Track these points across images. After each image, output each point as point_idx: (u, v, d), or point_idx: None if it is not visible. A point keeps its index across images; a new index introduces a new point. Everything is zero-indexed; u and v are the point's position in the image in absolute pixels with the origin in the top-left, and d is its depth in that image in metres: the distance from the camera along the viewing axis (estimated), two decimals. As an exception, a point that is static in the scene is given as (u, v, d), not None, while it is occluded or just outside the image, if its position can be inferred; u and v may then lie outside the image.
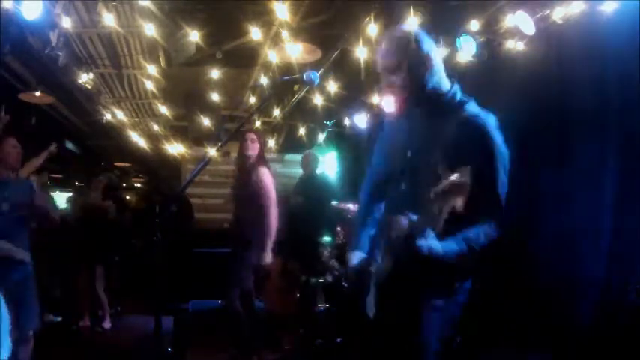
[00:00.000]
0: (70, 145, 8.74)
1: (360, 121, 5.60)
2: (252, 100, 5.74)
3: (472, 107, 1.78)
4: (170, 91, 5.68)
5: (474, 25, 3.73)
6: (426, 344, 1.71)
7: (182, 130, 7.15)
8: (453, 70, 4.10)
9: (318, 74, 1.92)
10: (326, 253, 4.30)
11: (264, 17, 3.68)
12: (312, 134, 6.72)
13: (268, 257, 3.54)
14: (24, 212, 3.06)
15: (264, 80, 4.76)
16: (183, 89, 5.99)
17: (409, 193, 1.76)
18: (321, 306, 3.87)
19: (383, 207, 2.00)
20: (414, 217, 1.57)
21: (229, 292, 3.63)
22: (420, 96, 1.79)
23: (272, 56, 4.12)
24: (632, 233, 2.91)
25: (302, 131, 6.38)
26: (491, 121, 1.74)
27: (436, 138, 1.70)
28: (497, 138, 1.71)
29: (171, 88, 5.53)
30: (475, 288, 1.84)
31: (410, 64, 1.76)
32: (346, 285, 3.86)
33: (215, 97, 5.26)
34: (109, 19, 3.55)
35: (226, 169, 4.50)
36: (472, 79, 3.97)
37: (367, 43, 3.78)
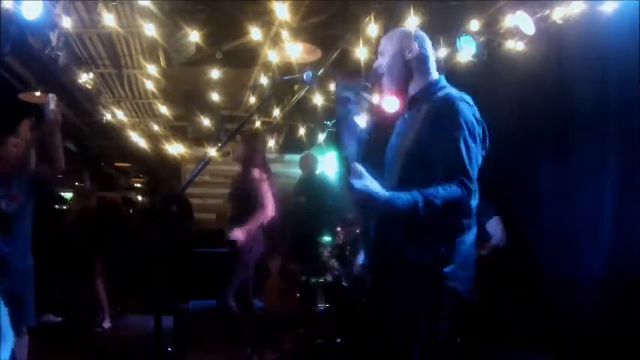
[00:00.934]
0: (70, 145, 8.74)
1: (360, 121, 5.59)
2: (252, 100, 5.74)
3: (448, 90, 1.82)
4: (170, 91, 5.68)
5: (474, 25, 3.73)
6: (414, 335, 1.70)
7: (182, 130, 7.15)
8: (453, 70, 4.14)
9: (311, 74, 1.93)
10: (326, 253, 4.30)
11: (264, 17, 3.68)
12: (312, 134, 6.72)
13: (237, 234, 3.54)
14: (27, 209, 3.07)
15: (264, 80, 4.76)
16: (183, 89, 5.99)
17: (389, 179, 1.79)
18: (321, 306, 3.86)
19: None
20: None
21: (223, 292, 3.63)
22: (408, 92, 1.86)
23: (272, 56, 4.13)
24: (633, 233, 2.91)
25: (302, 131, 6.38)
26: (463, 97, 1.76)
27: (413, 123, 1.77)
28: (465, 109, 1.70)
29: (171, 88, 5.54)
30: (475, 287, 1.83)
31: (391, 65, 1.85)
32: (334, 268, 3.88)
33: (215, 97, 5.26)
34: (109, 19, 3.55)
35: (226, 169, 4.50)
36: (472, 79, 3.98)
37: (367, 43, 3.78)
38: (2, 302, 2.76)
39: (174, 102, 6.20)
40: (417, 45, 1.85)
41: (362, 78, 1.82)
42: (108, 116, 6.18)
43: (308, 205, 5.21)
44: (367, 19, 3.55)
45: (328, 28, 4.12)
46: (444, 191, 1.56)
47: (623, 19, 2.96)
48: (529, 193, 3.79)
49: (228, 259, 3.71)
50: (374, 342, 2.00)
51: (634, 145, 2.93)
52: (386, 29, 3.49)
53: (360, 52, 3.85)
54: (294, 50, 3.96)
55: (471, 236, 1.77)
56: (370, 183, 1.56)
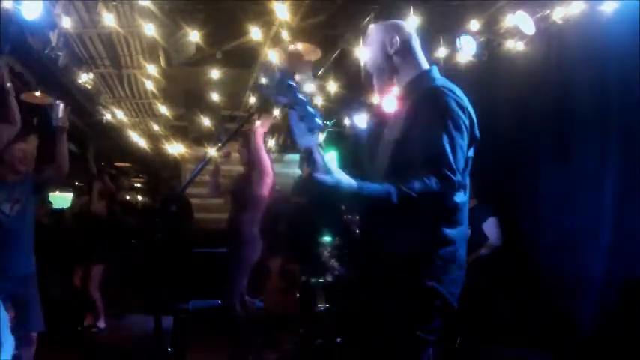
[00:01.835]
0: (69, 145, 8.73)
1: (360, 121, 5.60)
2: (252, 100, 5.74)
3: (438, 80, 1.75)
4: (170, 91, 5.68)
5: (474, 25, 3.73)
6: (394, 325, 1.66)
7: (182, 130, 7.15)
8: (453, 70, 4.13)
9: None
10: (326, 253, 4.29)
11: (264, 17, 3.68)
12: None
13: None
14: (30, 213, 3.08)
15: (264, 80, 4.75)
16: (183, 89, 5.98)
17: (378, 172, 1.75)
18: (321, 306, 3.86)
19: None
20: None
21: (228, 292, 3.63)
22: (397, 86, 1.81)
23: (272, 56, 4.12)
24: (632, 233, 2.91)
25: (302, 131, 6.37)
26: (447, 85, 1.69)
27: (400, 115, 1.72)
28: (448, 98, 1.61)
29: (171, 88, 5.53)
30: (474, 287, 1.82)
31: (375, 61, 1.81)
32: (334, 268, 3.86)
33: (215, 97, 5.26)
34: (109, 19, 3.55)
35: (226, 169, 4.49)
36: (472, 79, 3.98)
37: (367, 43, 3.78)
38: (2, 308, 2.76)
39: (174, 102, 6.19)
40: (398, 38, 1.78)
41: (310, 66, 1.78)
42: (108, 116, 6.18)
43: (308, 205, 5.21)
44: (367, 19, 3.55)
45: (328, 28, 4.12)
46: (421, 183, 1.49)
47: (623, 19, 2.96)
48: (529, 193, 3.80)
49: (229, 259, 3.71)
50: (365, 340, 1.97)
51: (634, 145, 2.94)
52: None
53: (360, 52, 3.85)
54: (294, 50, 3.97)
55: (456, 234, 1.67)
56: (337, 174, 1.48)
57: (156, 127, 6.78)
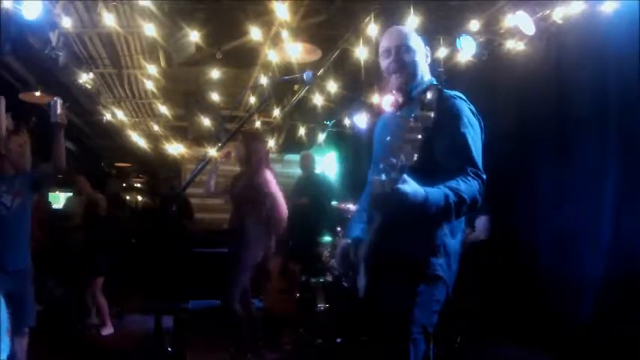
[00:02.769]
0: (70, 145, 8.75)
1: (360, 121, 5.60)
2: (252, 100, 5.74)
3: (447, 91, 1.85)
4: (170, 91, 5.68)
5: (474, 25, 3.74)
6: (405, 325, 1.68)
7: (182, 130, 7.16)
8: (453, 70, 4.13)
9: (311, 74, 1.93)
10: (326, 253, 4.29)
11: (264, 17, 3.68)
12: (312, 134, 6.72)
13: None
14: (28, 207, 3.08)
15: (264, 80, 4.76)
16: (183, 89, 5.99)
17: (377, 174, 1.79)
18: (321, 306, 3.86)
19: None
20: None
21: (229, 293, 3.63)
22: (410, 92, 1.89)
23: (272, 56, 4.13)
24: (632, 233, 2.91)
25: (302, 131, 6.38)
26: (457, 94, 1.80)
27: (407, 122, 1.73)
28: (463, 105, 1.75)
29: (171, 88, 5.53)
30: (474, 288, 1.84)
31: (417, 64, 1.88)
32: (334, 268, 3.87)
33: (215, 97, 5.26)
34: (109, 19, 3.55)
35: (226, 169, 4.50)
36: (472, 79, 3.99)
37: (367, 43, 3.78)
38: (3, 308, 2.77)
39: (174, 102, 6.20)
40: (429, 51, 1.95)
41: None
42: (108, 116, 6.18)
43: (308, 205, 5.21)
44: (367, 19, 3.55)
45: (328, 28, 4.12)
46: (465, 184, 1.59)
47: (623, 19, 2.96)
48: (529, 193, 3.80)
49: (229, 260, 3.70)
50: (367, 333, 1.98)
51: (634, 145, 2.94)
52: (386, 29, 3.49)
53: (360, 52, 3.86)
54: (294, 50, 3.96)
55: (461, 229, 1.82)
56: (411, 182, 1.50)
57: (156, 127, 6.79)
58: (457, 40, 3.78)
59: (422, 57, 1.91)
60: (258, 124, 6.51)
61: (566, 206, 3.44)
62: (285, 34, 3.70)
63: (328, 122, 6.63)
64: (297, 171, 5.93)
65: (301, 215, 5.18)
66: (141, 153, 6.76)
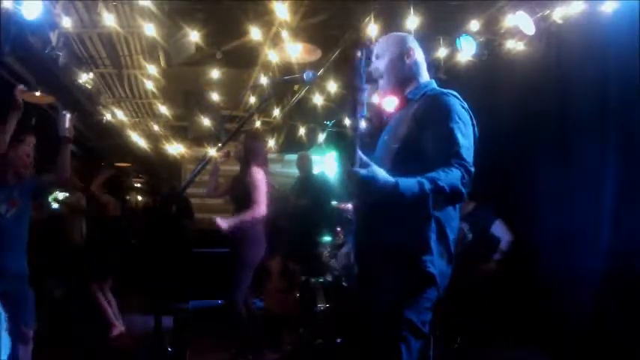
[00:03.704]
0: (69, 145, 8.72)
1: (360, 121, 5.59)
2: (252, 100, 5.74)
3: (440, 89, 1.89)
4: (170, 91, 5.68)
5: (474, 25, 3.73)
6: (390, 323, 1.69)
7: (182, 130, 7.15)
8: (453, 70, 4.13)
9: (311, 74, 1.94)
10: (326, 253, 4.30)
11: (264, 17, 3.68)
12: (312, 134, 6.72)
13: (223, 223, 3.50)
14: (25, 214, 3.09)
15: (264, 80, 4.76)
16: (183, 89, 5.99)
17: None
18: (321, 306, 3.86)
19: None
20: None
21: (232, 292, 3.62)
22: (402, 94, 1.93)
23: (272, 56, 4.12)
24: (632, 233, 2.91)
25: (302, 131, 6.38)
26: (450, 92, 1.82)
27: (403, 121, 1.83)
28: (454, 101, 1.76)
29: (171, 88, 5.53)
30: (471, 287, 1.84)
31: (392, 68, 1.92)
32: (334, 268, 3.87)
33: (215, 97, 5.26)
34: (109, 19, 3.55)
35: (226, 169, 4.50)
36: (472, 79, 3.98)
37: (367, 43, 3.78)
38: (1, 309, 2.78)
39: (174, 102, 6.19)
40: (413, 50, 1.94)
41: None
42: (108, 116, 6.18)
43: (308, 205, 5.22)
44: (367, 19, 3.55)
45: (328, 28, 4.12)
46: (445, 173, 1.58)
47: (623, 19, 2.96)
48: (529, 192, 3.80)
49: (232, 259, 3.70)
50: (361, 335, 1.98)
51: (634, 144, 2.93)
52: (386, 29, 3.49)
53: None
54: (294, 50, 3.96)
55: (453, 228, 1.79)
56: (376, 169, 1.56)
57: (156, 127, 6.78)
58: (457, 40, 3.78)
59: (400, 61, 1.92)
60: (258, 124, 6.50)
61: (566, 206, 3.43)
62: (285, 34, 3.70)
63: (328, 122, 6.63)
64: (297, 171, 5.93)
65: (301, 215, 5.19)
66: (141, 153, 6.75)
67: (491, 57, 3.96)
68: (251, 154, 3.79)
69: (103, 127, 6.89)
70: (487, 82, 3.98)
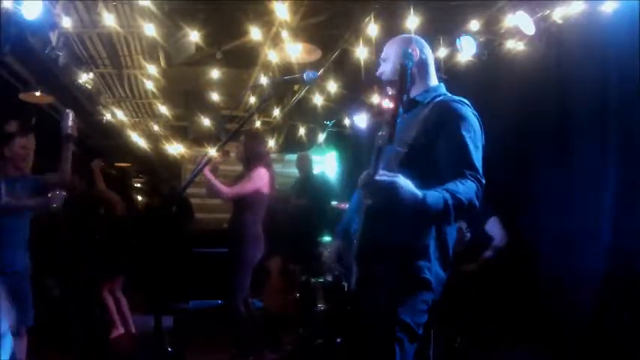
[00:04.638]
0: (72, 145, 8.72)
1: (360, 121, 5.60)
2: (252, 100, 5.74)
3: (447, 96, 1.88)
4: (170, 91, 5.68)
5: (474, 25, 3.74)
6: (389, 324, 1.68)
7: (182, 130, 7.15)
8: (453, 70, 4.13)
9: (312, 74, 1.94)
10: (326, 253, 4.29)
11: (264, 17, 3.68)
12: (312, 134, 6.72)
13: (214, 186, 3.51)
14: (27, 210, 3.10)
15: (264, 80, 4.76)
16: (183, 89, 5.99)
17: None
18: (321, 306, 3.86)
19: None
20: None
21: (232, 293, 3.62)
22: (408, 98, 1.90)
23: (272, 56, 4.13)
24: (633, 233, 2.91)
25: (302, 131, 6.39)
26: (461, 99, 1.81)
27: (411, 125, 1.80)
28: (465, 109, 1.76)
29: (171, 88, 5.53)
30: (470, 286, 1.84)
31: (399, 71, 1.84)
32: (334, 268, 3.86)
33: (215, 97, 5.26)
34: (109, 19, 3.55)
35: (226, 169, 4.50)
36: (472, 79, 3.98)
37: (367, 43, 3.78)
38: (3, 307, 2.78)
39: (174, 102, 6.19)
40: (418, 51, 1.90)
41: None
42: (108, 116, 6.18)
43: (308, 205, 5.22)
44: (367, 19, 3.55)
45: (328, 28, 4.12)
46: (463, 186, 1.59)
47: (623, 19, 2.96)
48: (528, 192, 3.80)
49: (232, 259, 3.70)
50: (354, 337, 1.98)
51: (634, 144, 2.94)
52: (386, 29, 3.49)
53: (360, 52, 3.86)
54: (294, 50, 3.96)
55: (453, 233, 1.80)
56: (402, 179, 1.53)
57: (156, 127, 6.78)
58: (457, 40, 3.78)
59: (421, 65, 1.90)
60: (258, 124, 6.51)
61: (566, 206, 3.43)
62: (285, 34, 3.70)
63: (328, 122, 6.63)
64: (296, 171, 5.93)
65: (301, 215, 5.19)
66: (141, 153, 6.75)
67: (491, 57, 3.96)
68: (253, 155, 3.78)
69: (103, 126, 6.89)
70: (487, 82, 3.98)
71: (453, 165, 1.67)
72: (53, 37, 3.81)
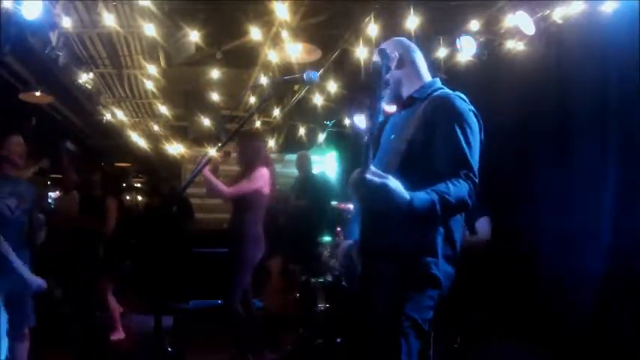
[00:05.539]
0: (70, 145, 8.74)
1: (360, 121, 5.60)
2: (252, 100, 5.74)
3: (444, 90, 1.87)
4: (170, 91, 5.68)
5: (474, 25, 3.74)
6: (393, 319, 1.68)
7: (182, 130, 7.16)
8: (453, 70, 4.13)
9: (312, 74, 1.94)
10: (326, 253, 4.29)
11: (264, 17, 3.68)
12: (312, 134, 6.72)
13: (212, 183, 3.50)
14: (27, 208, 3.10)
15: (264, 80, 4.76)
16: (183, 89, 5.99)
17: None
18: (321, 306, 3.86)
19: None
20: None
21: (230, 294, 3.62)
22: (402, 98, 1.92)
23: (272, 56, 4.13)
24: (633, 233, 2.91)
25: (302, 131, 6.39)
26: (458, 94, 1.80)
27: (409, 122, 1.81)
28: (461, 104, 1.75)
29: (171, 88, 5.53)
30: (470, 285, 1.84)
31: (372, 69, 1.84)
32: (334, 268, 3.86)
33: (215, 97, 5.26)
34: (109, 19, 3.55)
35: (226, 169, 4.50)
36: (472, 79, 3.99)
37: (367, 43, 3.79)
38: (2, 308, 2.78)
39: (174, 102, 6.20)
40: (396, 52, 1.91)
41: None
42: (108, 116, 6.18)
43: (308, 205, 5.22)
44: (367, 19, 3.55)
45: (328, 28, 4.12)
46: (454, 187, 1.59)
47: (623, 19, 2.96)
48: (528, 192, 3.80)
49: (232, 259, 3.70)
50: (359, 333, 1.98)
51: (634, 144, 2.94)
52: (386, 29, 3.49)
53: (360, 52, 3.86)
54: (294, 50, 3.96)
55: (459, 228, 1.80)
56: (391, 180, 1.54)
57: (156, 127, 6.79)
58: (457, 40, 3.78)
59: (407, 64, 1.92)
60: (258, 124, 6.51)
61: (566, 206, 3.44)
62: (285, 34, 3.70)
63: (328, 122, 6.63)
64: (296, 171, 5.93)
65: (301, 215, 5.19)
66: (141, 153, 6.75)
67: (491, 57, 3.96)
68: (253, 155, 3.78)
69: (103, 126, 6.90)
70: (487, 82, 3.98)
71: (447, 164, 1.66)
72: (53, 37, 3.81)
